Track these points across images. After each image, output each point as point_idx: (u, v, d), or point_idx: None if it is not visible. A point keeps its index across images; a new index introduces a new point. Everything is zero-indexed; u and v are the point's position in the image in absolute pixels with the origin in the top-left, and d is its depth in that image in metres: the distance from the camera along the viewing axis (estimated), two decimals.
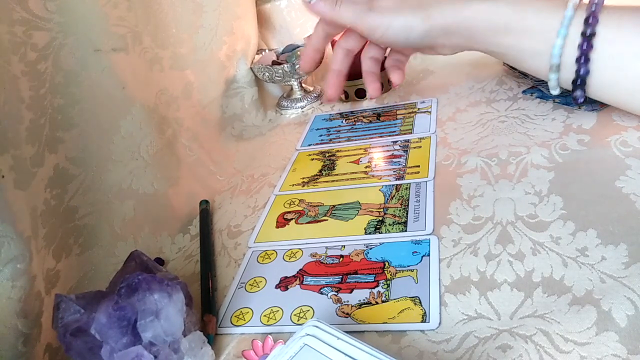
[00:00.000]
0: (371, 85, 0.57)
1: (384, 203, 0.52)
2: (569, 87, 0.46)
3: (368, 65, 0.57)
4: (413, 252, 0.44)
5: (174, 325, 0.37)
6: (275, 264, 0.48)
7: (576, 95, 0.45)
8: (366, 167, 0.59)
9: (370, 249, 0.46)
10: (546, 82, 0.60)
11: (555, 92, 0.47)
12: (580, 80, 0.43)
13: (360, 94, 0.76)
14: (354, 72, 0.75)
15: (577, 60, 0.43)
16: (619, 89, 0.44)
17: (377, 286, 0.42)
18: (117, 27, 0.56)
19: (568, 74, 0.45)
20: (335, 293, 0.43)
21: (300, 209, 0.55)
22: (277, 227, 0.54)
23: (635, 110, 0.46)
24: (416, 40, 0.51)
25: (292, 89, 0.81)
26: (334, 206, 0.54)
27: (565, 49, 0.43)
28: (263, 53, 0.83)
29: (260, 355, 0.39)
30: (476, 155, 0.54)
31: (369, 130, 0.67)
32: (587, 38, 0.41)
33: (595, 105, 0.55)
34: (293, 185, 0.60)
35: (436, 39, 0.50)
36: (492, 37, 0.47)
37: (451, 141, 0.59)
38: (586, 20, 0.42)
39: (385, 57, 0.59)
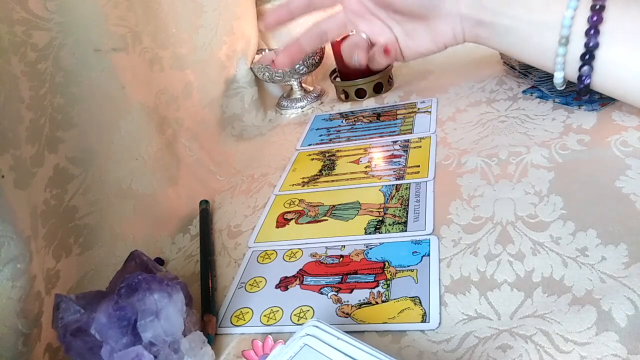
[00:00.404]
0: (358, 47, 0.53)
1: (384, 203, 0.52)
2: (576, 66, 0.45)
3: (350, 45, 0.54)
4: (413, 252, 0.44)
5: (174, 325, 0.37)
6: (275, 264, 0.48)
7: (583, 72, 0.45)
8: (366, 167, 0.59)
9: (370, 249, 0.46)
10: (546, 82, 0.60)
11: (559, 75, 0.46)
12: (589, 55, 0.44)
13: (361, 94, 0.76)
14: (354, 72, 0.75)
15: (587, 32, 0.43)
16: (625, 72, 0.44)
17: (377, 286, 0.42)
18: (117, 27, 0.56)
19: (577, 47, 0.45)
20: (335, 293, 0.43)
21: (300, 209, 0.55)
22: (277, 227, 0.54)
23: (637, 102, 0.46)
24: None
25: (292, 89, 0.81)
26: (334, 206, 0.54)
27: (576, 20, 0.44)
28: (263, 53, 0.83)
29: (260, 355, 0.39)
30: (476, 155, 0.54)
31: (369, 130, 0.67)
32: (597, 11, 0.42)
33: (595, 105, 0.55)
34: (293, 185, 0.60)
35: (446, 1, 0.49)
36: (501, 4, 0.47)
37: (451, 141, 0.59)
38: None
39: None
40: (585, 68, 0.45)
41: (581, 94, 0.47)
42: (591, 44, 0.43)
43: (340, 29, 0.54)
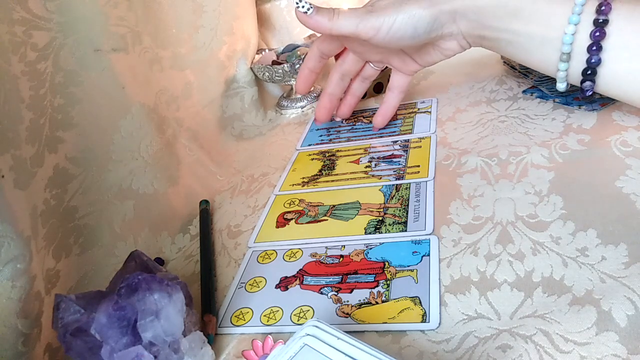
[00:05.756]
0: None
1: (384, 203, 0.52)
2: (578, 79, 0.44)
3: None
4: (413, 252, 0.44)
5: (174, 325, 0.37)
6: (275, 264, 0.48)
7: (585, 87, 0.43)
8: (366, 167, 0.59)
9: (370, 248, 0.46)
10: (546, 82, 0.60)
11: (562, 86, 0.46)
12: (590, 71, 0.42)
13: None
14: None
15: (589, 48, 0.41)
16: (630, 82, 0.43)
17: (377, 286, 0.42)
18: (117, 27, 0.56)
19: (579, 63, 0.43)
20: (335, 293, 0.43)
21: (300, 208, 0.55)
22: (277, 227, 0.54)
23: None
24: (424, 32, 0.48)
25: (292, 89, 0.81)
26: (334, 206, 0.54)
27: (577, 36, 0.42)
28: (263, 53, 0.83)
29: (260, 355, 0.39)
30: (476, 155, 0.54)
31: (369, 130, 0.67)
32: (600, 25, 0.40)
33: (595, 105, 0.55)
34: (293, 185, 0.60)
35: (444, 26, 0.48)
36: (501, 21, 0.45)
37: (451, 141, 0.59)
38: (599, 7, 0.41)
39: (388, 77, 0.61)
40: (587, 83, 0.43)
41: (585, 99, 0.46)
42: (593, 61, 0.42)
43: (357, 64, 0.61)
